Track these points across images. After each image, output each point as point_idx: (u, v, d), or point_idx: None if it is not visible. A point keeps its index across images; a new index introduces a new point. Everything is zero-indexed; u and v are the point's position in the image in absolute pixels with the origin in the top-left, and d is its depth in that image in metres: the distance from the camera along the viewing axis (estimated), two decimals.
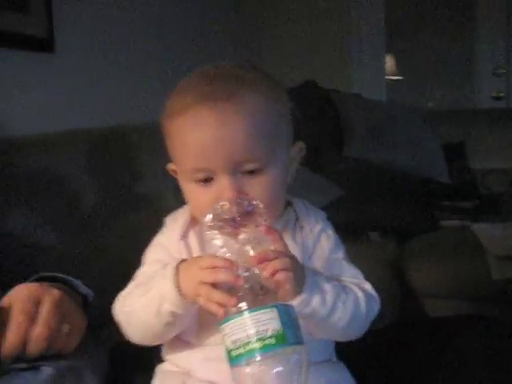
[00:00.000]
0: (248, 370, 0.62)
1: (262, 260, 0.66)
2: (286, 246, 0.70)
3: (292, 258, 0.69)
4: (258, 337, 0.61)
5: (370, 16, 3.36)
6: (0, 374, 0.74)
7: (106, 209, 1.61)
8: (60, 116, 1.77)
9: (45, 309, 0.78)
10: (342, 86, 2.84)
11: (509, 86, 3.40)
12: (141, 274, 0.82)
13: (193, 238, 0.81)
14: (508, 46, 3.37)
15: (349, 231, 1.98)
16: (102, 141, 1.71)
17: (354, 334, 0.78)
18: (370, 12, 3.36)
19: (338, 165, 2.28)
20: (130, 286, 0.81)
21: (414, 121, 2.64)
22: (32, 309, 0.78)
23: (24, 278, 0.88)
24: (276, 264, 0.66)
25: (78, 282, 0.92)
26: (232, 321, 0.63)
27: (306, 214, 0.82)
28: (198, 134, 0.72)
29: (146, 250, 0.85)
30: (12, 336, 0.75)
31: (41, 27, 1.75)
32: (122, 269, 1.42)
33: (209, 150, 0.72)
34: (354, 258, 0.86)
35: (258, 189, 0.73)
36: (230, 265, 0.66)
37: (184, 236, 0.80)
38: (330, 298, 0.72)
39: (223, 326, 0.64)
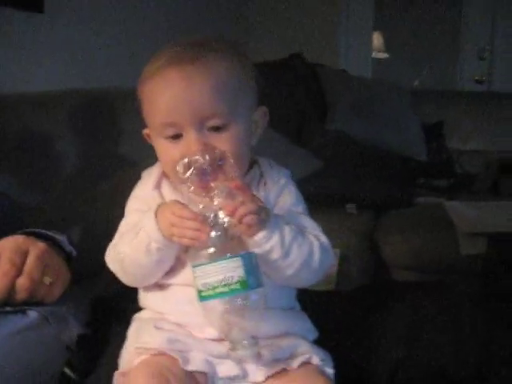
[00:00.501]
0: (216, 306, 0.73)
1: (232, 209, 0.74)
2: (252, 194, 0.78)
3: (258, 202, 0.77)
4: (225, 282, 0.72)
5: None
6: None
7: (90, 169, 1.64)
8: (48, 76, 1.78)
9: (30, 261, 0.83)
10: (328, 61, 2.87)
11: (491, 69, 3.45)
12: (123, 224, 0.88)
13: (165, 188, 0.87)
14: (493, 30, 3.40)
15: (327, 202, 2.06)
16: (87, 102, 1.72)
17: (307, 280, 0.84)
18: None
19: (319, 138, 2.32)
20: (116, 237, 0.87)
21: (397, 99, 2.68)
22: (18, 259, 0.83)
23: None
24: (243, 210, 0.74)
25: (62, 238, 0.96)
26: (203, 266, 0.73)
27: (270, 171, 0.88)
28: (167, 93, 0.80)
29: (127, 201, 0.91)
30: None
31: None
32: (105, 228, 1.47)
33: (176, 106, 0.79)
34: (330, 228, 0.91)
35: (223, 143, 0.80)
36: (196, 216, 0.75)
37: (157, 186, 0.87)
38: (287, 238, 0.79)
39: (195, 269, 0.74)
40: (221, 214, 0.75)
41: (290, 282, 0.85)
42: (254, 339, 0.74)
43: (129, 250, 0.82)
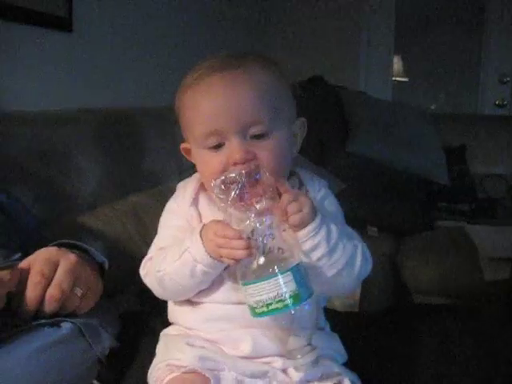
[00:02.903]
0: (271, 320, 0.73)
1: (282, 209, 0.75)
2: (297, 191, 0.78)
3: (305, 196, 0.78)
4: (279, 299, 0.72)
5: (380, 16, 3.41)
6: (22, 329, 0.79)
7: (110, 187, 1.65)
8: (75, 95, 1.80)
9: (60, 272, 0.84)
10: (348, 84, 2.88)
11: None
12: (161, 239, 0.88)
13: (203, 204, 0.87)
14: None
15: (348, 224, 2.05)
16: (109, 120, 1.74)
17: (347, 285, 0.84)
18: (380, 12, 3.40)
19: (341, 160, 2.32)
20: (152, 250, 0.87)
21: (418, 122, 2.68)
22: (49, 271, 0.83)
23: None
24: (293, 208, 0.75)
25: (94, 251, 0.97)
26: (255, 284, 0.73)
27: (310, 181, 0.88)
28: (209, 100, 0.80)
29: (161, 217, 0.91)
30: (29, 295, 0.81)
31: (60, 6, 1.77)
32: (126, 244, 1.47)
33: (219, 113, 0.79)
34: None
35: (265, 151, 0.80)
36: (239, 234, 0.74)
37: (194, 202, 0.87)
38: (334, 235, 0.79)
39: (246, 287, 0.73)
40: (265, 226, 0.75)
41: (330, 287, 0.83)
42: (312, 346, 0.74)
43: (170, 270, 0.82)
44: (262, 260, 0.73)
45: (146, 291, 1.07)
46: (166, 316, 0.92)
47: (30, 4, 1.66)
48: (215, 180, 0.77)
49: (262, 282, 0.72)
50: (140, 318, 1.03)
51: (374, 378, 0.84)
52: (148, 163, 1.81)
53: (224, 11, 2.79)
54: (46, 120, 1.59)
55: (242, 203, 0.75)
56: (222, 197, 0.76)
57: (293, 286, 0.72)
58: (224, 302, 0.81)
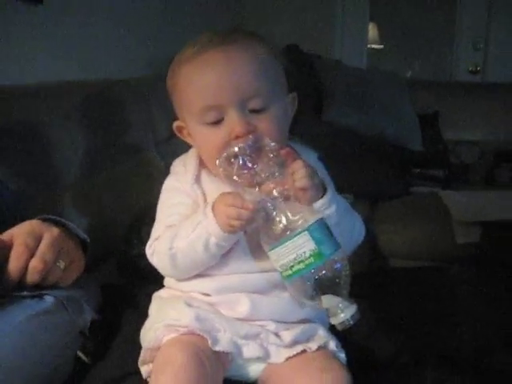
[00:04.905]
0: (303, 282, 0.74)
1: (288, 178, 0.76)
2: (302, 159, 0.79)
3: (311, 167, 0.78)
4: (299, 260, 0.73)
5: None
6: (5, 300, 0.80)
7: (92, 160, 1.65)
8: (47, 68, 1.79)
9: (43, 244, 0.85)
10: (323, 52, 2.88)
11: (486, 60, 3.46)
12: (165, 217, 0.88)
13: (205, 181, 0.87)
14: (488, 20, 3.41)
15: None
16: (88, 93, 1.73)
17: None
18: None
19: (315, 128, 2.34)
20: (158, 230, 0.87)
21: (392, 89, 2.71)
22: (33, 243, 0.84)
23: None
24: (299, 174, 0.76)
25: (75, 227, 0.98)
26: (275, 250, 0.74)
27: (302, 152, 0.89)
28: (208, 74, 0.80)
29: (161, 195, 0.91)
30: (12, 265, 0.82)
31: None
32: (112, 216, 1.48)
33: (218, 87, 0.79)
34: None
35: (264, 124, 0.81)
36: (247, 202, 0.75)
37: (197, 180, 0.87)
38: (342, 205, 0.82)
39: (270, 253, 0.76)
40: (275, 192, 0.76)
41: None
42: (350, 300, 0.74)
43: (183, 245, 0.82)
44: (277, 225, 0.74)
45: (124, 264, 1.10)
46: (149, 288, 0.94)
47: None
48: (219, 158, 0.78)
49: (281, 247, 0.73)
50: (121, 291, 1.05)
51: (355, 342, 0.88)
52: (125, 135, 1.81)
53: None
54: (24, 94, 1.58)
55: (248, 173, 0.76)
56: (228, 172, 0.77)
57: (311, 244, 0.72)
58: (233, 272, 0.83)
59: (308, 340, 0.83)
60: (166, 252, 0.84)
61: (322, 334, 0.85)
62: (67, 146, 1.59)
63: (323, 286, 0.73)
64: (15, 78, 1.61)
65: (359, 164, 2.23)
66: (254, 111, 0.81)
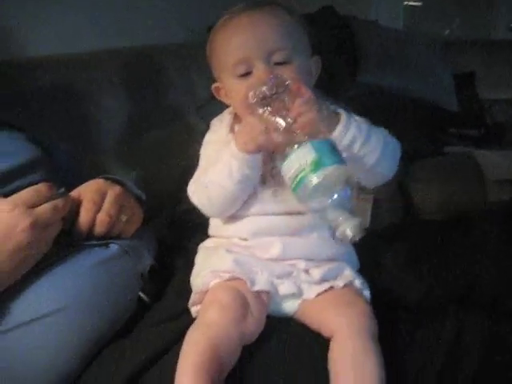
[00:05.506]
0: (307, 195, 0.80)
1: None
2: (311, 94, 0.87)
3: (315, 100, 0.86)
4: (302, 168, 0.79)
5: None
6: (77, 249, 0.92)
7: (133, 125, 1.74)
8: (84, 37, 1.85)
9: (107, 200, 0.96)
10: (359, 12, 2.87)
11: None
12: (203, 164, 1.01)
13: None
14: None
15: None
16: (129, 59, 1.81)
17: (389, 168, 0.95)
18: None
19: (351, 90, 2.37)
20: (198, 173, 1.00)
21: (428, 49, 2.69)
22: (99, 199, 0.95)
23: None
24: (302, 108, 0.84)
25: (132, 185, 1.09)
26: (283, 164, 0.82)
27: (336, 109, 0.96)
28: (238, 34, 0.94)
29: (201, 148, 1.04)
30: (82, 219, 0.94)
31: None
32: (161, 175, 1.57)
33: (246, 43, 0.93)
34: None
35: (288, 73, 0.91)
36: (261, 120, 0.85)
37: (232, 130, 1.00)
38: (364, 126, 0.90)
39: (281, 170, 0.83)
40: (289, 119, 0.83)
41: (376, 172, 0.93)
42: (351, 213, 0.79)
43: (213, 176, 0.93)
44: (287, 144, 0.82)
45: (173, 218, 1.19)
46: (196, 240, 1.05)
47: None
48: (249, 97, 0.88)
49: (287, 160, 0.81)
50: (172, 243, 1.16)
51: (378, 283, 0.96)
52: (167, 100, 1.89)
53: None
54: (68, 62, 1.67)
55: (276, 108, 0.85)
56: (251, 104, 0.87)
57: (312, 154, 0.78)
58: (263, 214, 0.94)
59: (336, 278, 0.92)
60: (202, 188, 0.95)
61: (348, 273, 0.93)
62: (110, 112, 1.69)
63: (326, 198, 0.78)
64: (58, 47, 1.69)
65: (394, 124, 2.23)
66: (279, 63, 0.92)
